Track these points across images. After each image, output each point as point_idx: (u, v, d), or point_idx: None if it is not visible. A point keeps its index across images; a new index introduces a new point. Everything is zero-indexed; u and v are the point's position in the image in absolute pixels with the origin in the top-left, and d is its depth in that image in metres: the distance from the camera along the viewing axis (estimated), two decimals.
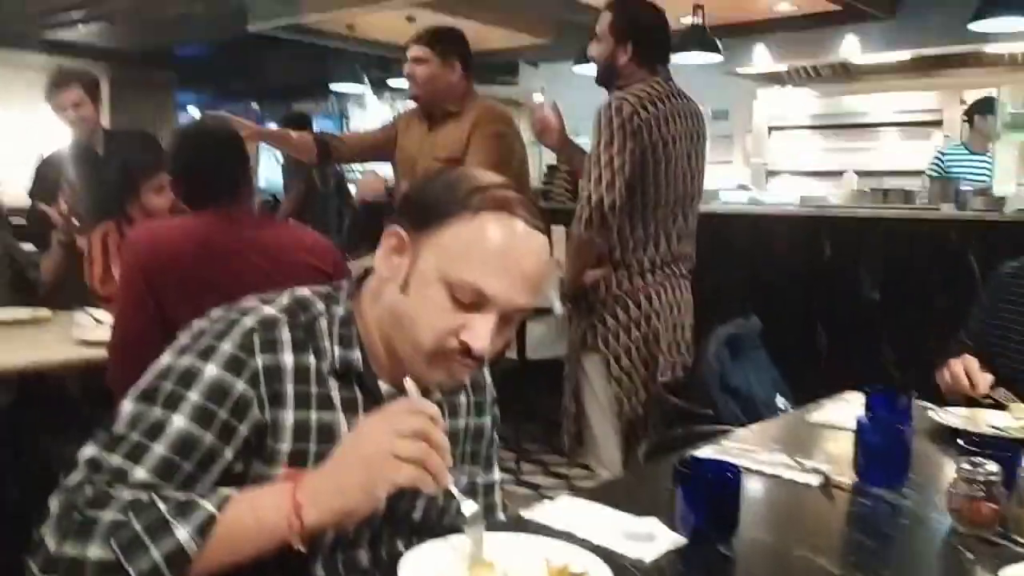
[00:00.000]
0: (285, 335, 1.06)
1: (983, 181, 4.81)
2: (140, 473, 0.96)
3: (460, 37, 3.11)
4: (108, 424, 1.00)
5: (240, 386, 1.02)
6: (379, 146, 3.29)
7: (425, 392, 1.13)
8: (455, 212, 1.03)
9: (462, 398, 1.24)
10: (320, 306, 1.11)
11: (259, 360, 1.03)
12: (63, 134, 3.68)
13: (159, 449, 0.97)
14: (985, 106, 5.35)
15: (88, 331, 2.54)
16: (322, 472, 0.96)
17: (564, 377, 2.75)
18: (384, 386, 1.11)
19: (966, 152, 5.24)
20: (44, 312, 2.82)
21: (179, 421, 0.99)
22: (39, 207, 3.42)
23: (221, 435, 1.00)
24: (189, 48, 9.11)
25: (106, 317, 2.64)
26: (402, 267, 1.06)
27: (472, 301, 1.03)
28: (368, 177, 3.19)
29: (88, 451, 0.98)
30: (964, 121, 5.59)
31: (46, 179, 3.55)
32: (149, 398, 1.01)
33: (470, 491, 1.20)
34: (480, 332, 1.03)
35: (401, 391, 1.10)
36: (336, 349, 1.08)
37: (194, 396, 1.00)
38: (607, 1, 2.69)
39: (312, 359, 1.07)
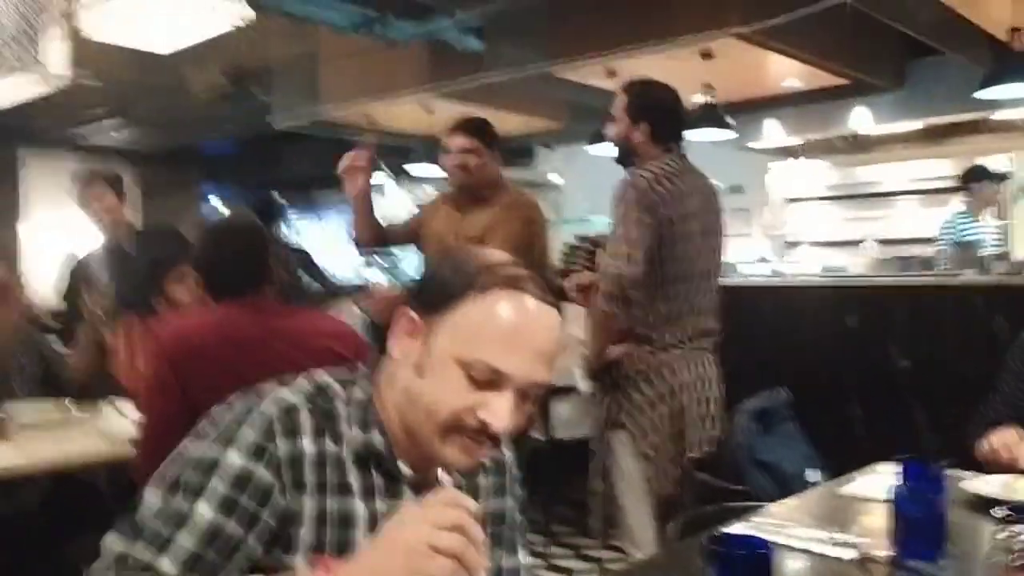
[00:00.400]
0: (305, 421, 1.06)
1: (994, 245, 4.80)
2: (166, 565, 0.96)
3: (493, 127, 3.24)
4: (132, 511, 1.00)
5: (262, 473, 1.01)
6: (411, 234, 3.41)
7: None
8: (465, 292, 1.05)
9: (482, 480, 1.23)
10: (339, 390, 1.11)
11: (280, 446, 1.03)
12: (94, 234, 3.78)
13: (184, 540, 0.97)
14: (979, 173, 5.41)
15: (114, 425, 2.55)
16: (358, 561, 0.95)
17: (591, 455, 2.72)
18: (404, 469, 1.10)
19: (971, 218, 5.28)
20: (70, 406, 2.85)
21: (204, 511, 0.99)
22: (74, 305, 3.51)
23: (245, 523, 1.00)
24: (214, 144, 9.38)
25: (132, 410, 2.66)
26: (416, 349, 1.07)
27: (488, 379, 1.03)
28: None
29: (111, 541, 0.98)
30: (961, 189, 5.62)
31: (79, 281, 3.64)
32: (172, 488, 1.01)
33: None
34: (498, 410, 1.03)
35: (421, 474, 1.10)
36: (356, 433, 1.08)
37: (217, 485, 1.00)
38: (622, 84, 2.77)
39: (331, 445, 1.07)
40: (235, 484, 1.00)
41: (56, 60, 5.20)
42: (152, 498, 1.01)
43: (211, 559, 0.98)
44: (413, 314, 1.08)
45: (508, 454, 1.28)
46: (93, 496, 2.66)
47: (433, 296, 1.07)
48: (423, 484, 1.11)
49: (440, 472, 1.02)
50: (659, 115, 2.66)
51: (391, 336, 1.10)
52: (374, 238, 3.43)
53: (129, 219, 3.72)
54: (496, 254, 1.11)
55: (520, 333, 1.04)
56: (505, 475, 1.27)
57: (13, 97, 6.07)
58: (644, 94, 2.70)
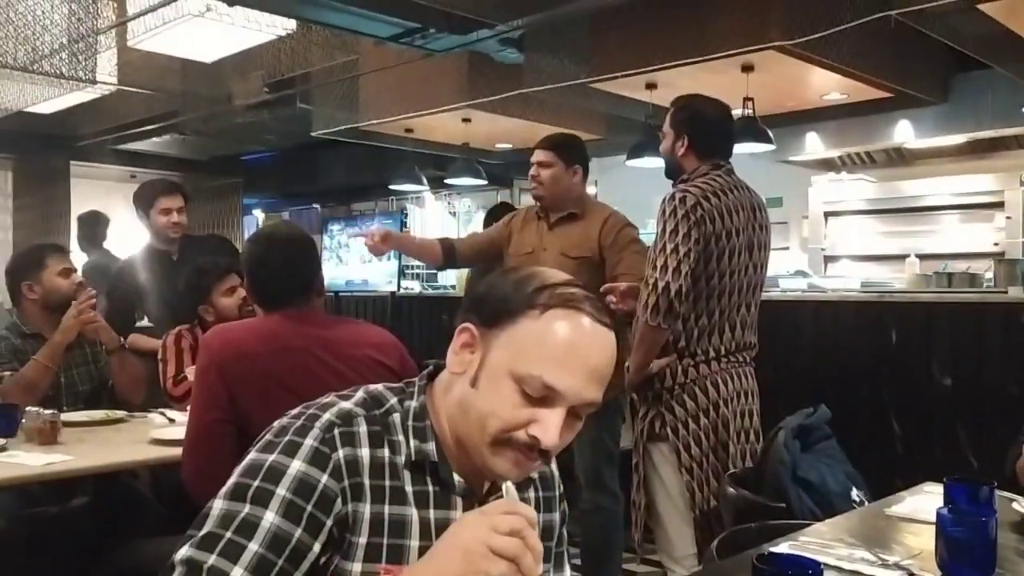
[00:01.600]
0: (363, 429, 1.09)
1: None
2: (237, 573, 0.98)
3: (581, 145, 3.35)
4: (198, 524, 1.02)
5: (325, 479, 1.04)
6: (492, 246, 3.45)
7: (497, 488, 1.14)
8: (524, 310, 1.07)
9: (531, 493, 1.24)
10: (394, 401, 1.14)
11: (340, 453, 1.05)
12: (137, 240, 3.86)
13: (254, 547, 0.99)
14: None
15: (161, 430, 2.60)
16: (422, 564, 0.98)
17: (632, 468, 2.72)
18: (457, 479, 1.12)
19: None
20: (118, 413, 2.90)
21: (270, 517, 1.00)
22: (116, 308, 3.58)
23: (310, 529, 1.02)
24: (254, 154, 9.52)
25: (179, 416, 2.71)
26: (473, 362, 1.09)
27: (541, 396, 1.04)
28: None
29: (183, 552, 1.00)
30: None
31: (123, 283, 3.71)
32: (238, 496, 1.03)
33: None
34: (549, 427, 1.05)
35: (471, 485, 1.12)
36: (412, 442, 1.11)
37: (282, 491, 1.02)
38: (675, 99, 2.79)
39: (387, 453, 1.09)
40: (299, 492, 1.02)
41: (103, 69, 5.33)
42: (218, 508, 1.03)
43: (280, 566, 1.00)
44: (472, 327, 1.10)
45: (555, 469, 1.29)
46: (139, 500, 2.71)
47: (492, 311, 1.09)
48: (474, 494, 1.13)
49: (506, 484, 1.04)
50: (700, 130, 2.67)
51: (450, 349, 1.12)
52: (443, 262, 3.53)
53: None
54: (557, 274, 1.13)
55: (575, 352, 1.05)
56: (553, 490, 1.28)
57: (62, 104, 6.23)
58: (686, 108, 2.71)
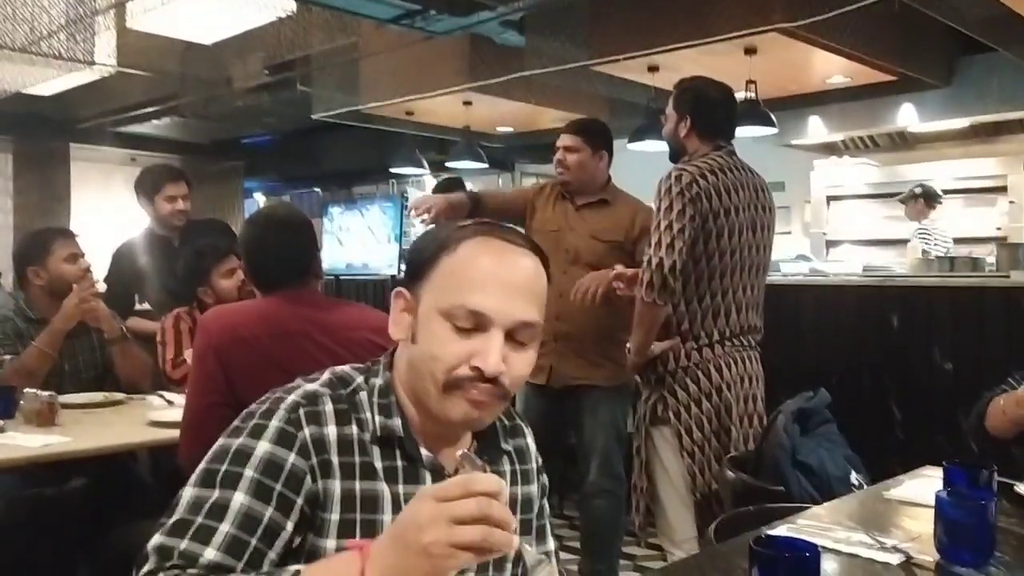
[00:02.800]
0: (328, 408, 1.10)
1: None
2: (210, 554, 0.98)
3: (607, 130, 3.35)
4: (169, 513, 1.02)
5: (292, 458, 1.05)
6: (513, 205, 3.43)
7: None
8: (441, 252, 1.10)
9: (506, 466, 1.23)
10: (360, 380, 1.15)
11: (307, 432, 1.06)
12: (137, 221, 3.84)
13: (225, 527, 1.00)
14: None
15: (160, 412, 2.60)
16: (390, 549, 0.91)
17: (633, 452, 2.71)
18: (425, 452, 1.13)
19: None
20: (117, 396, 2.89)
21: (240, 498, 1.01)
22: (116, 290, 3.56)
23: (281, 508, 1.03)
24: (255, 137, 9.48)
25: (178, 399, 2.71)
26: (409, 321, 1.11)
27: (473, 325, 1.06)
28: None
29: (155, 540, 1.00)
30: None
31: (122, 266, 3.69)
32: (207, 483, 1.03)
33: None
34: (489, 352, 1.05)
35: (441, 457, 1.13)
36: (377, 418, 1.11)
37: (250, 472, 1.03)
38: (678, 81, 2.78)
39: (355, 430, 1.10)
40: (267, 472, 1.03)
41: (102, 50, 5.30)
42: (188, 495, 1.03)
43: (254, 546, 1.00)
44: (404, 291, 1.13)
45: (530, 441, 1.29)
46: (137, 482, 2.71)
47: (417, 267, 1.12)
48: (442, 467, 1.13)
49: (458, 453, 1.01)
50: (702, 110, 2.66)
51: (390, 320, 1.14)
52: (465, 212, 3.37)
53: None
54: (464, 222, 1.15)
55: (492, 272, 1.07)
56: (529, 463, 1.28)
57: (61, 86, 6.21)
58: (689, 89, 2.71)
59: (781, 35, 4.24)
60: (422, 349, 1.08)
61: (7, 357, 2.80)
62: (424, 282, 1.10)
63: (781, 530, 1.46)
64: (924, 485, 1.73)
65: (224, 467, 1.03)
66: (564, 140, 3.25)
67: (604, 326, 3.05)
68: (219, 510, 1.00)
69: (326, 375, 1.15)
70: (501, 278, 1.07)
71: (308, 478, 1.05)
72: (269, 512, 1.02)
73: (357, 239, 6.76)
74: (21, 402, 2.51)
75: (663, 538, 2.68)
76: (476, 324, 1.05)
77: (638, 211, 3.19)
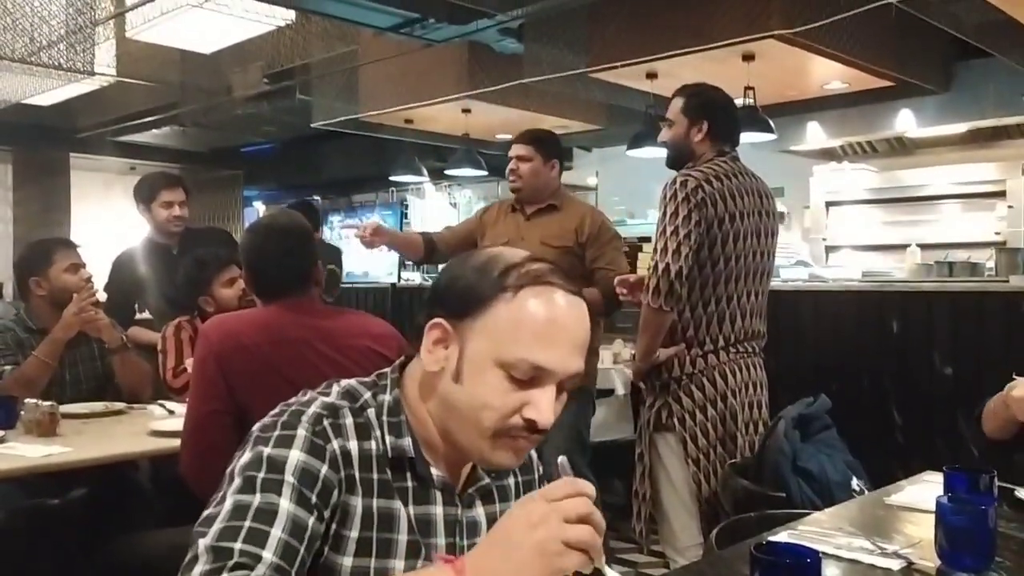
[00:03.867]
0: (349, 421, 1.08)
1: None
2: (269, 555, 0.95)
3: (558, 140, 3.49)
4: (207, 523, 0.98)
5: (324, 470, 1.03)
6: (467, 240, 3.49)
7: (475, 479, 1.15)
8: (496, 294, 1.05)
9: (510, 479, 1.23)
10: (368, 396, 1.12)
11: (335, 444, 1.05)
12: (137, 230, 3.85)
13: (276, 532, 0.97)
14: None
15: (160, 422, 2.60)
16: (491, 554, 0.92)
17: (636, 458, 2.71)
18: (436, 472, 1.12)
19: None
20: (118, 405, 2.89)
21: (285, 504, 0.99)
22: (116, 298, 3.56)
23: (318, 518, 1.01)
24: (254, 145, 9.49)
25: (179, 408, 2.71)
26: (450, 357, 1.07)
27: (530, 377, 1.04)
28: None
29: (205, 542, 0.95)
30: None
31: (122, 275, 3.70)
32: (246, 489, 1.00)
33: None
34: (543, 406, 1.04)
35: (450, 477, 1.12)
36: (388, 438, 1.10)
37: (290, 478, 1.01)
38: (677, 88, 2.78)
39: (372, 445, 1.09)
40: (304, 480, 1.01)
41: (102, 60, 5.31)
42: (228, 504, 0.99)
43: (301, 554, 0.98)
44: (444, 322, 1.08)
45: (533, 452, 1.29)
46: (139, 491, 2.71)
47: (462, 302, 1.07)
48: (453, 485, 1.13)
49: (560, 458, 1.00)
50: (718, 114, 2.68)
51: (423, 347, 1.09)
52: (424, 256, 3.59)
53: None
54: (516, 252, 1.11)
55: (556, 327, 1.05)
56: (532, 473, 1.28)
57: (61, 96, 6.22)
58: (701, 94, 2.71)
59: (779, 41, 4.25)
60: (470, 394, 1.05)
61: (7, 367, 2.80)
62: (474, 322, 1.06)
63: (782, 536, 1.46)
64: (924, 490, 1.73)
65: (262, 474, 1.00)
66: (517, 150, 3.34)
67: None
68: (267, 515, 0.97)
69: (335, 388, 1.13)
70: (568, 334, 1.06)
71: (335, 492, 1.03)
72: (311, 521, 1.00)
73: (357, 247, 6.78)
74: (22, 412, 2.51)
75: (666, 545, 2.67)
76: (535, 377, 1.04)
77: (586, 215, 3.28)
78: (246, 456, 1.04)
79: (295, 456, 1.02)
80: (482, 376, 1.05)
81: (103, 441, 2.47)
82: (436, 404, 1.10)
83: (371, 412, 1.11)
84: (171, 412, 2.77)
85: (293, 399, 1.12)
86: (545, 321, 1.04)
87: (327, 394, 1.12)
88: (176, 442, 2.13)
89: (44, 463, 2.21)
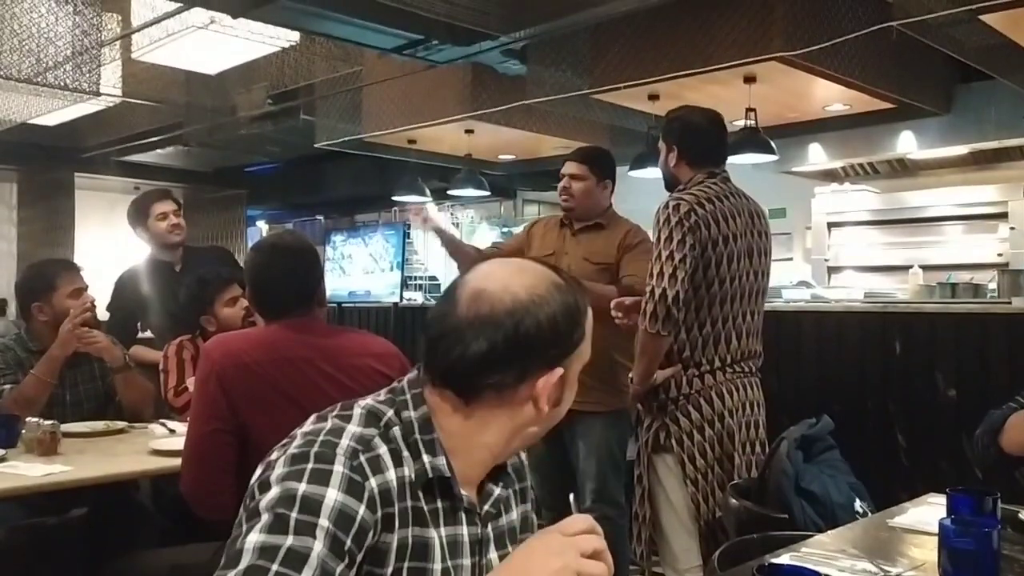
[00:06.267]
0: (383, 450, 1.06)
1: None
2: None
3: (611, 160, 3.43)
4: (231, 563, 0.95)
5: (362, 511, 1.00)
6: (518, 254, 3.47)
7: (487, 495, 1.15)
8: (583, 321, 1.14)
9: (508, 491, 1.23)
10: (390, 413, 1.10)
11: (373, 482, 1.02)
12: (140, 250, 3.86)
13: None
14: None
15: (162, 441, 2.59)
16: None
17: (635, 480, 2.70)
18: (464, 493, 1.11)
19: None
20: (119, 424, 2.89)
21: (318, 548, 0.95)
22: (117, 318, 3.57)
23: (349, 564, 0.98)
24: (258, 165, 9.54)
25: (180, 427, 2.71)
26: (556, 390, 1.11)
27: None
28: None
29: None
30: None
31: (124, 294, 3.70)
32: (277, 528, 0.96)
33: None
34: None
35: (472, 496, 1.12)
36: (424, 456, 1.07)
37: (324, 522, 0.97)
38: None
39: (406, 471, 1.06)
40: (339, 523, 0.98)
41: (108, 81, 5.35)
42: (255, 541, 0.95)
43: None
44: (559, 370, 1.10)
45: (523, 457, 1.30)
46: (139, 511, 2.70)
47: (564, 343, 1.11)
48: (475, 505, 1.13)
49: (571, 497, 1.09)
50: (689, 139, 2.69)
51: (544, 399, 1.10)
52: (469, 264, 3.55)
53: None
54: (565, 276, 1.16)
55: None
56: (525, 480, 1.28)
57: (66, 116, 6.25)
58: (675, 119, 2.75)
59: (780, 64, 4.27)
60: (566, 405, 1.14)
61: (7, 386, 2.80)
62: (574, 352, 1.13)
63: (785, 558, 1.46)
64: (928, 512, 1.72)
65: (295, 513, 0.96)
66: (570, 168, 3.30)
67: (598, 350, 3.06)
68: (298, 559, 0.93)
69: (357, 412, 1.10)
70: None
71: (371, 533, 1.01)
72: (340, 569, 0.96)
73: (359, 267, 6.79)
74: (23, 431, 2.51)
75: (667, 567, 2.66)
76: None
77: (628, 232, 3.26)
78: (275, 491, 0.99)
79: (332, 496, 0.98)
80: (571, 389, 1.14)
81: (104, 460, 2.46)
82: (517, 431, 1.13)
83: (397, 431, 1.08)
84: (172, 431, 2.77)
85: (311, 426, 1.08)
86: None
87: (348, 418, 1.09)
88: (177, 461, 2.13)
89: (45, 482, 2.20)
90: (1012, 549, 1.51)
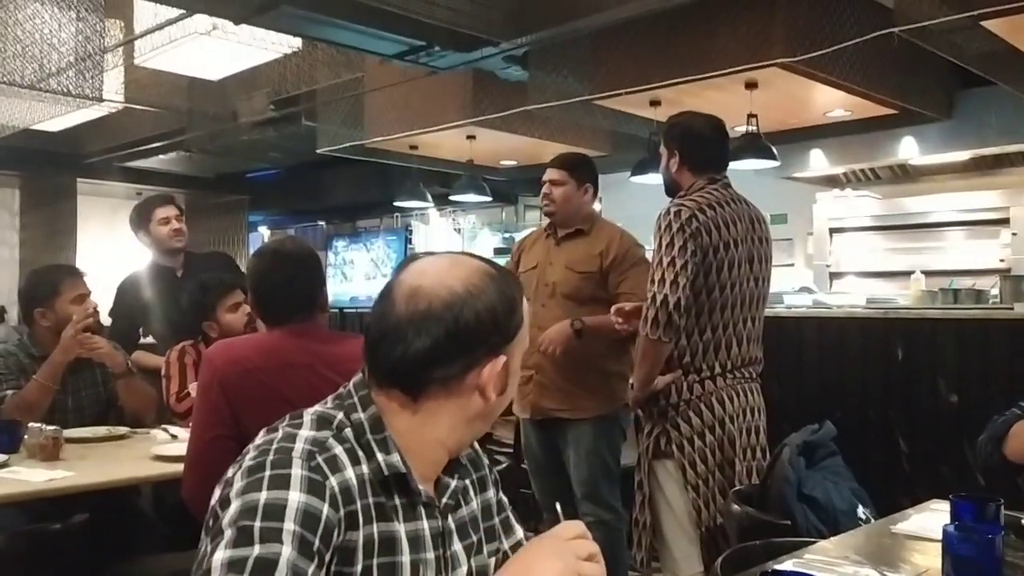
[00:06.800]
0: (339, 450, 1.06)
1: None
2: None
3: (592, 164, 3.44)
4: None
5: (326, 510, 1.00)
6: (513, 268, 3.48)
7: (443, 487, 1.16)
8: (519, 309, 1.15)
9: (467, 481, 1.23)
10: (340, 415, 1.11)
11: (333, 481, 1.02)
12: (142, 256, 3.86)
13: None
14: None
15: (163, 446, 2.59)
16: None
17: (636, 486, 2.70)
18: (422, 487, 1.12)
19: None
20: (121, 430, 2.89)
21: (287, 552, 0.95)
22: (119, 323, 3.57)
23: (319, 564, 0.97)
24: (260, 171, 9.55)
25: (182, 433, 2.71)
26: (500, 378, 1.13)
27: None
28: None
29: None
30: None
31: (126, 299, 3.70)
32: (241, 541, 0.95)
33: (502, 561, 1.21)
34: None
35: (430, 491, 1.14)
36: (378, 455, 1.08)
37: (290, 525, 0.96)
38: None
39: (364, 469, 1.07)
40: (306, 524, 0.97)
41: (110, 87, 5.36)
42: (222, 558, 0.94)
43: None
44: (502, 358, 1.12)
45: (478, 447, 1.30)
46: (140, 517, 2.70)
47: (505, 330, 1.13)
48: (434, 499, 1.14)
49: (557, 505, 1.17)
50: (690, 145, 2.69)
51: (489, 387, 1.12)
52: None
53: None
54: (497, 266, 1.18)
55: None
56: (483, 468, 1.28)
57: (69, 122, 6.26)
58: (676, 125, 2.75)
59: (782, 70, 4.28)
60: (510, 392, 1.16)
61: (9, 391, 2.80)
62: (514, 340, 1.14)
63: (788, 565, 1.45)
64: (931, 519, 1.72)
65: (259, 522, 0.96)
66: (550, 174, 3.31)
67: (583, 358, 3.08)
68: (267, 566, 0.93)
69: (307, 418, 1.10)
70: None
71: (336, 532, 1.00)
72: (311, 570, 0.95)
73: (361, 272, 6.80)
74: (26, 436, 2.51)
75: (668, 574, 2.66)
76: None
77: (613, 239, 3.23)
78: (235, 505, 0.98)
79: (295, 499, 0.98)
80: (516, 374, 1.16)
81: (106, 466, 2.46)
82: (466, 425, 1.14)
83: (349, 432, 1.09)
84: (174, 437, 2.77)
85: (262, 438, 1.08)
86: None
87: (299, 424, 1.09)
88: (179, 467, 2.13)
89: (47, 487, 2.21)
90: (1015, 555, 1.51)
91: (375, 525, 1.05)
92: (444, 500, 1.15)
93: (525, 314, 1.16)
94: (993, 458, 2.04)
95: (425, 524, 1.12)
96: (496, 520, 1.27)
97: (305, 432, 1.07)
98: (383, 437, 1.09)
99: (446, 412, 1.12)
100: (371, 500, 1.06)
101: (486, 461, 1.30)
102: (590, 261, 3.19)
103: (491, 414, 1.15)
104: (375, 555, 1.05)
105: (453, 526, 1.17)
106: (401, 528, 1.08)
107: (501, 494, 1.31)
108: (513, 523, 1.31)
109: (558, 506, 1.15)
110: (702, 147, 2.71)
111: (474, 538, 1.19)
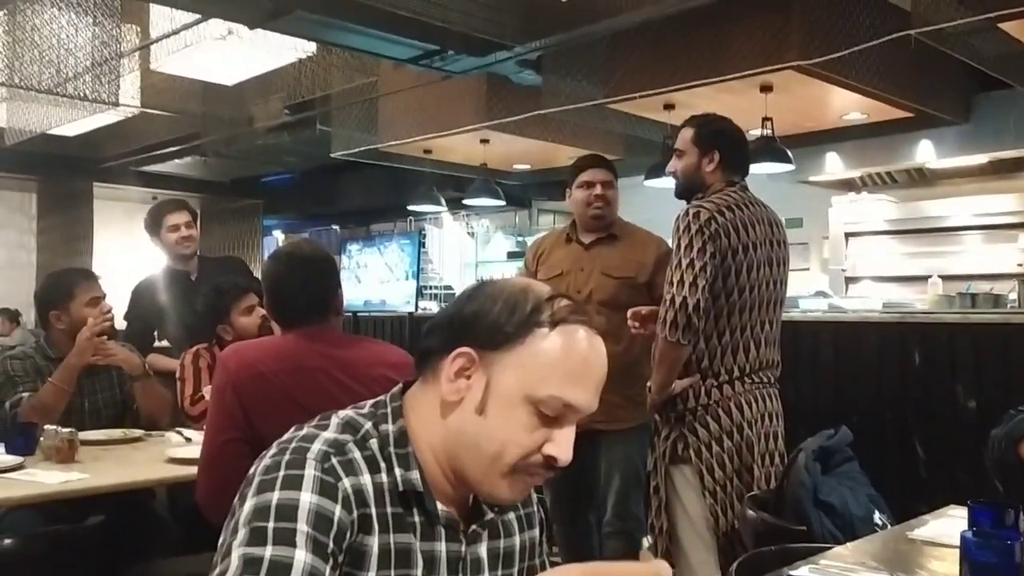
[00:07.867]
0: (357, 455, 1.04)
1: None
2: None
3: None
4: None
5: (338, 511, 0.98)
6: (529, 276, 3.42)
7: (479, 513, 1.12)
8: (529, 329, 1.04)
9: (511, 514, 1.20)
10: (369, 426, 1.08)
11: (346, 483, 1.01)
12: (157, 260, 3.89)
13: None
14: None
15: (178, 449, 2.60)
16: None
17: (651, 492, 2.68)
18: (441, 508, 1.08)
19: None
20: (136, 432, 2.90)
21: (301, 555, 0.94)
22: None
23: (333, 566, 0.97)
24: (274, 175, 9.60)
25: (196, 436, 2.71)
26: (475, 389, 1.05)
27: (559, 415, 1.03)
28: None
29: None
30: None
31: (141, 303, 3.73)
32: (255, 541, 0.95)
33: None
34: (565, 444, 1.05)
35: (453, 513, 1.09)
36: (396, 470, 1.05)
37: (303, 527, 0.96)
38: (687, 119, 2.77)
39: (384, 478, 1.05)
40: (318, 525, 0.96)
41: (127, 92, 5.40)
42: (237, 559, 0.94)
43: None
44: (472, 352, 1.05)
45: None
46: (155, 519, 2.71)
47: (491, 333, 1.05)
48: (457, 522, 1.10)
49: (645, 540, 1.08)
50: (729, 144, 2.66)
51: (443, 375, 1.07)
52: None
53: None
54: (544, 287, 1.10)
55: (587, 366, 1.05)
56: (531, 505, 1.25)
57: (86, 127, 6.32)
58: (710, 124, 2.70)
59: (797, 72, 4.26)
60: (494, 428, 1.04)
61: (25, 394, 2.82)
62: (505, 355, 1.04)
63: (803, 571, 1.44)
64: (949, 525, 1.70)
65: (272, 523, 0.95)
66: (600, 175, 3.21)
67: (621, 365, 3.03)
68: (282, 569, 0.92)
69: (334, 421, 1.08)
70: (597, 373, 1.07)
71: (349, 533, 0.99)
72: (327, 571, 0.94)
73: (375, 276, 6.80)
74: (41, 439, 2.52)
75: None
76: (561, 415, 1.04)
77: (652, 243, 3.17)
78: (250, 504, 0.98)
79: (306, 500, 0.97)
80: (510, 411, 1.03)
81: (121, 468, 2.47)
82: (447, 435, 1.07)
83: (374, 443, 1.06)
84: (188, 440, 2.77)
85: (288, 435, 1.07)
86: (579, 360, 1.04)
87: (325, 427, 1.07)
88: (193, 470, 2.13)
89: (62, 490, 2.21)
90: None
91: (392, 535, 1.03)
92: (473, 527, 1.12)
93: (542, 352, 1.04)
94: (1007, 456, 2.02)
95: (443, 547, 1.08)
96: (536, 560, 1.23)
97: (327, 434, 1.06)
98: (406, 452, 1.07)
99: (426, 400, 1.09)
100: (389, 510, 1.04)
101: (535, 497, 1.25)
102: (627, 266, 3.11)
103: (473, 435, 1.05)
104: (392, 566, 1.03)
105: (484, 555, 1.13)
106: (418, 545, 1.05)
107: (544, 536, 1.27)
108: (547, 565, 1.25)
109: (644, 540, 1.13)
110: (740, 149, 2.70)
111: (513, 571, 1.16)
